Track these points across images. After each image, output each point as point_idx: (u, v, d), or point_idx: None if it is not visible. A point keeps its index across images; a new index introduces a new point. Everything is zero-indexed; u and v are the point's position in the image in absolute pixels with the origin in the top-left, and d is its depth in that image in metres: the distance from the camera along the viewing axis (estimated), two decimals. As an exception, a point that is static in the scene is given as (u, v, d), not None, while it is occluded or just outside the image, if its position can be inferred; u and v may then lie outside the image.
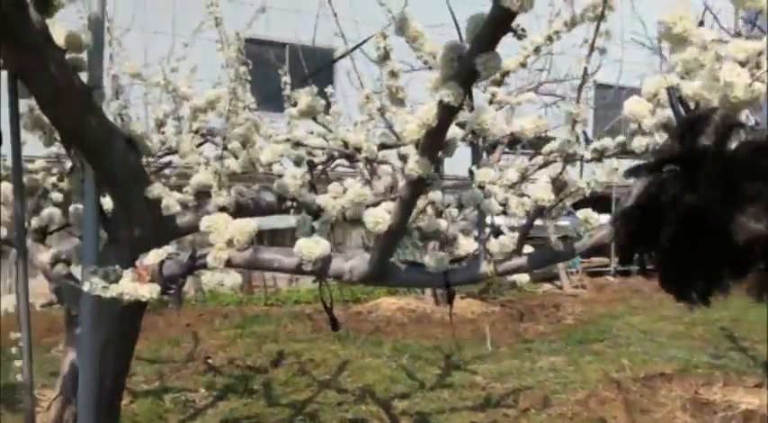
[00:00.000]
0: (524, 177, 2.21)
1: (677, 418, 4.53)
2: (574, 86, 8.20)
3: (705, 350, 6.58)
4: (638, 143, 1.66)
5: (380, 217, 1.44)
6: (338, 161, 2.87)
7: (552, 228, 1.54)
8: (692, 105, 1.42)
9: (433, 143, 1.29)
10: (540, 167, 2.33)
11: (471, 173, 1.77)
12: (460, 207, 1.93)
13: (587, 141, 2.06)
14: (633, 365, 5.84)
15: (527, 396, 5.05)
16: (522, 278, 2.11)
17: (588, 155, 1.91)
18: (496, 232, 1.81)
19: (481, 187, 1.72)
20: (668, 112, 1.60)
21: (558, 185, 1.47)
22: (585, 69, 1.43)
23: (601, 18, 1.34)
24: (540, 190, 1.45)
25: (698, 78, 1.35)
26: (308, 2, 6.93)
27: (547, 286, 10.76)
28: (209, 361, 6.08)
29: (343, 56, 3.12)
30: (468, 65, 1.12)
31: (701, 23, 1.42)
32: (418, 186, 1.35)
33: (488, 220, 1.70)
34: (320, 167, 2.81)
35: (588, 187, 1.48)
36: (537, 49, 2.40)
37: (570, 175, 1.52)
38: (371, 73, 2.65)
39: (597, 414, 4.61)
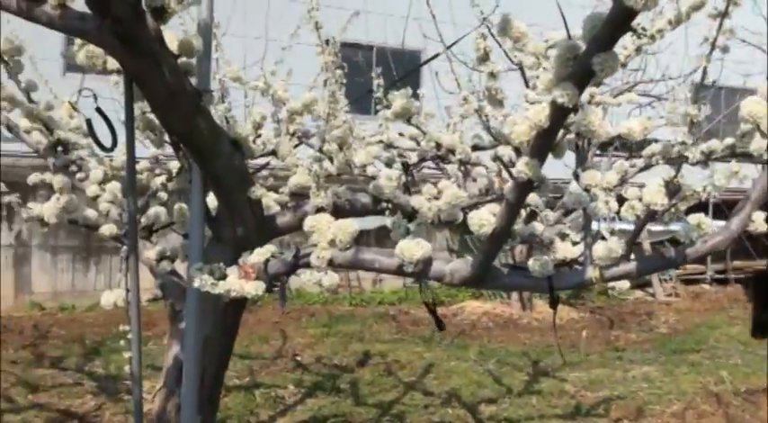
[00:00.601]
0: (624, 180, 2.14)
1: (784, 435, 4.28)
2: (669, 86, 7.89)
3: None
4: (757, 145, 1.58)
5: (486, 219, 1.43)
6: (425, 164, 2.87)
7: (664, 233, 1.49)
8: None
9: (544, 144, 1.26)
10: (641, 170, 2.25)
11: (576, 175, 1.73)
12: (566, 212, 1.88)
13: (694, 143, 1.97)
14: (733, 378, 5.56)
15: (619, 406, 4.89)
16: (623, 285, 2.04)
17: (695, 157, 1.83)
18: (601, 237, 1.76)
19: (587, 190, 1.68)
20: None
21: (672, 189, 1.41)
22: (705, 69, 1.37)
23: (724, 15, 1.27)
24: (654, 193, 1.40)
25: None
26: (397, 5, 6.97)
27: (638, 293, 10.39)
28: (298, 358, 6.20)
29: (434, 57, 3.12)
30: (585, 65, 1.09)
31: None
32: (526, 189, 1.33)
33: (599, 224, 1.66)
34: (413, 169, 2.81)
35: (705, 191, 1.42)
36: (639, 49, 2.33)
37: (685, 179, 1.46)
38: (460, 74, 2.63)
39: (695, 428, 4.42)
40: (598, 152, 6.47)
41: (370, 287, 9.82)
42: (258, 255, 1.73)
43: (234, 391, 5.08)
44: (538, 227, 2.04)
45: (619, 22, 1.04)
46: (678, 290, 10.57)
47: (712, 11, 1.35)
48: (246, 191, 2.06)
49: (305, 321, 7.79)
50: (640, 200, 1.43)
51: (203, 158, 1.95)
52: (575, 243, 1.85)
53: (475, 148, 2.58)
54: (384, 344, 6.82)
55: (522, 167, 1.28)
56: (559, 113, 1.18)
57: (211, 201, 2.23)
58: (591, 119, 1.60)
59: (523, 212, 2.20)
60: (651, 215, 1.44)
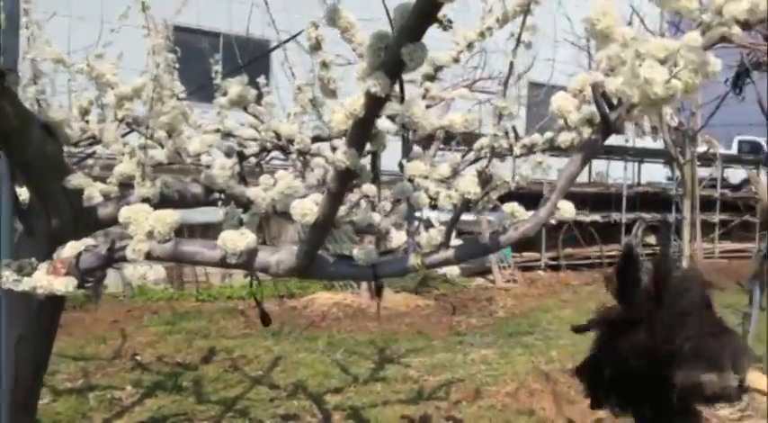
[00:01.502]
0: (456, 172, 2.22)
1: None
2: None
3: (630, 342, 6.81)
4: (564, 138, 1.69)
5: (308, 208, 1.42)
6: (274, 154, 2.83)
7: (485, 221, 1.55)
8: (614, 101, 1.45)
9: (361, 134, 1.27)
10: (472, 163, 2.34)
11: (401, 166, 1.76)
12: (396, 201, 1.92)
13: (517, 137, 2.09)
14: (562, 358, 5.98)
15: (459, 388, 5.11)
16: (453, 271, 2.11)
17: (518, 150, 1.93)
18: (428, 226, 1.81)
19: (411, 180, 1.72)
20: (593, 108, 1.63)
21: (484, 179, 1.48)
22: (512, 64, 1.45)
23: (527, 12, 1.35)
24: (467, 183, 1.46)
25: (620, 75, 1.38)
26: (242, -9, 6.82)
27: (480, 280, 10.93)
28: (137, 358, 5.92)
29: (276, 47, 3.07)
30: (395, 55, 1.11)
31: (629, 25, 1.45)
32: (346, 178, 1.34)
33: (422, 213, 1.70)
34: (253, 159, 2.76)
35: (513, 181, 1.50)
36: (470, 45, 2.41)
37: (496, 169, 1.53)
38: (308, 64, 2.62)
39: (526, 405, 4.71)
40: (442, 146, 6.72)
41: (218, 282, 9.58)
42: (71, 248, 1.61)
43: (65, 395, 4.76)
44: (375, 217, 2.07)
45: (425, 12, 1.06)
46: (516, 276, 11.23)
47: (518, 9, 1.42)
48: (61, 180, 1.92)
49: (147, 319, 7.46)
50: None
51: (9, 145, 1.79)
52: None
53: (316, 138, 2.57)
54: (231, 340, 6.68)
55: (339, 157, 1.28)
56: (374, 103, 1.19)
57: (23, 191, 2.06)
58: (414, 111, 1.64)
59: (363, 203, 2.22)
60: (466, 204, 1.50)
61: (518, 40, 1.40)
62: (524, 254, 12.34)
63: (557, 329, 7.39)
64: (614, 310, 1.31)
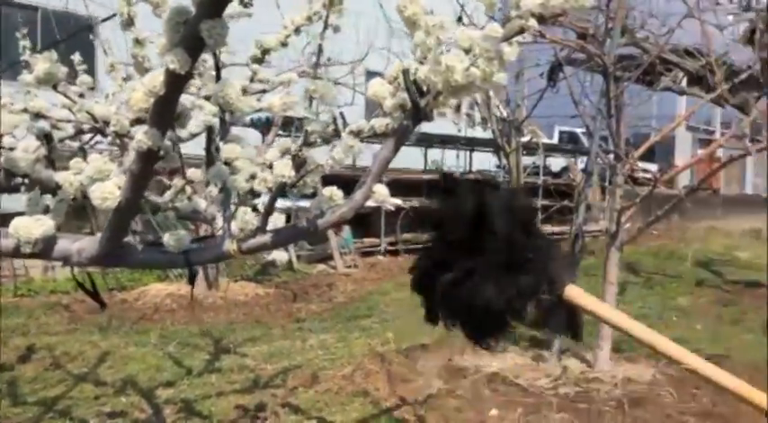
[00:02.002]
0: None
1: (433, 384, 4.87)
2: (345, 70, 8.39)
3: (461, 321, 7.16)
4: (379, 123, 1.72)
5: (109, 192, 1.34)
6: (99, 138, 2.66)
7: (313, 205, 1.54)
8: (423, 88, 1.49)
9: (163, 113, 1.21)
10: (303, 147, 2.33)
11: (218, 149, 1.71)
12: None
13: (345, 123, 2.10)
14: (397, 339, 6.16)
15: (296, 375, 5.11)
16: (281, 257, 2.10)
17: (345, 136, 1.95)
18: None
19: (227, 163, 1.68)
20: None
21: (298, 163, 1.47)
22: (320, 47, 1.45)
23: (335, -4, 1.35)
24: (281, 167, 1.44)
25: (427, 62, 1.43)
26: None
27: (321, 267, 11.00)
28: (-59, 361, 5.35)
29: (92, 23, 2.88)
30: (194, 31, 1.07)
31: (459, 19, 1.50)
32: (148, 159, 1.27)
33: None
34: (68, 142, 2.57)
35: (328, 165, 1.50)
36: (297, 30, 2.39)
37: (311, 153, 1.53)
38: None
39: (361, 387, 4.81)
40: (281, 131, 6.64)
41: (40, 275, 8.87)
42: None
43: None
44: (201, 203, 2.00)
45: (224, -11, 1.03)
46: (357, 262, 11.42)
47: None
48: None
49: (-47, 318, 6.76)
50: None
51: None
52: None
53: (137, 121, 2.44)
54: (53, 336, 6.22)
55: (141, 137, 1.22)
56: (174, 80, 1.14)
57: None
58: (227, 91, 1.59)
59: (188, 189, 2.14)
60: (281, 188, 1.48)
61: (325, 24, 1.40)
62: (365, 240, 12.58)
63: (393, 311, 7.60)
64: (439, 222, 1.29)
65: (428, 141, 13.19)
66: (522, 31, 1.45)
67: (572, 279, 1.25)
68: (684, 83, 9.01)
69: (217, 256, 1.58)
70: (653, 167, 14.70)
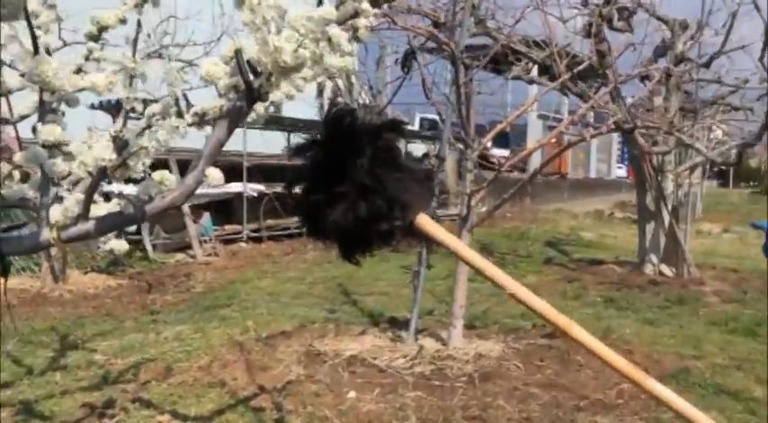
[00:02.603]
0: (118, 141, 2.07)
1: (292, 371, 4.85)
2: (199, 52, 8.11)
3: (323, 306, 7.19)
4: (213, 105, 1.66)
5: None
6: None
7: (140, 189, 1.46)
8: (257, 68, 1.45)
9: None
10: (143, 130, 2.21)
11: (34, 130, 1.59)
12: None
13: (189, 105, 2.02)
14: (257, 327, 6.08)
15: (149, 369, 4.91)
16: (120, 246, 1.99)
17: (189, 119, 1.87)
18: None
19: (46, 146, 1.56)
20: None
21: (119, 145, 1.39)
22: (139, 21, 1.38)
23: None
24: (100, 149, 1.36)
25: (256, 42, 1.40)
26: None
27: (180, 256, 10.63)
28: None
29: None
30: (-16, 0, 0.97)
31: (320, 2, 1.47)
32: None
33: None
34: None
35: (153, 148, 1.44)
36: (138, 6, 2.27)
37: (132, 134, 1.45)
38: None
39: (218, 377, 4.70)
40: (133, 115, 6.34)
41: None
42: None
43: None
44: (30, 190, 1.85)
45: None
46: (218, 250, 11.13)
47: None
48: None
49: None
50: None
51: None
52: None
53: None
54: None
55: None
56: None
57: None
58: (43, 68, 1.48)
59: (16, 174, 1.98)
60: (103, 172, 1.40)
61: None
62: (227, 227, 12.29)
63: (254, 299, 7.49)
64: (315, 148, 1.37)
65: (292, 127, 13.06)
66: (356, 14, 1.46)
67: (426, 209, 1.35)
68: (535, 72, 9.50)
69: (35, 246, 1.47)
70: (506, 153, 15.43)
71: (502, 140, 22.88)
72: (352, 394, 4.44)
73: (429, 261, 5.45)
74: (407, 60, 4.84)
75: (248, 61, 1.42)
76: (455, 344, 5.24)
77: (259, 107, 1.76)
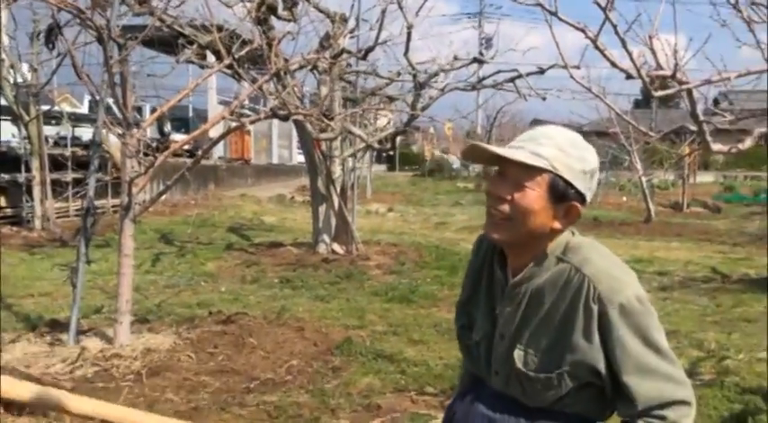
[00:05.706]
0: None
1: None
2: None
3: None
4: None
5: None
6: None
7: None
8: None
9: None
10: None
11: None
12: None
13: None
14: None
15: None
16: None
17: None
18: None
19: None
20: None
21: None
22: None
23: None
24: None
25: None
26: None
27: None
28: None
29: None
30: None
31: None
32: None
33: None
34: None
35: None
36: None
37: None
38: None
39: None
40: None
41: None
42: None
43: None
44: None
45: None
46: None
47: None
48: None
49: None
50: None
51: None
52: None
53: None
54: None
55: None
56: None
57: None
58: None
59: None
60: None
61: None
62: None
63: None
64: None
65: None
66: None
67: None
68: (212, 57, 9.37)
69: None
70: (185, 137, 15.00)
71: (183, 126, 22.28)
72: (-3, 411, 3.93)
73: (89, 256, 5.06)
74: (51, 35, 4.38)
75: None
76: (122, 341, 4.97)
77: None
